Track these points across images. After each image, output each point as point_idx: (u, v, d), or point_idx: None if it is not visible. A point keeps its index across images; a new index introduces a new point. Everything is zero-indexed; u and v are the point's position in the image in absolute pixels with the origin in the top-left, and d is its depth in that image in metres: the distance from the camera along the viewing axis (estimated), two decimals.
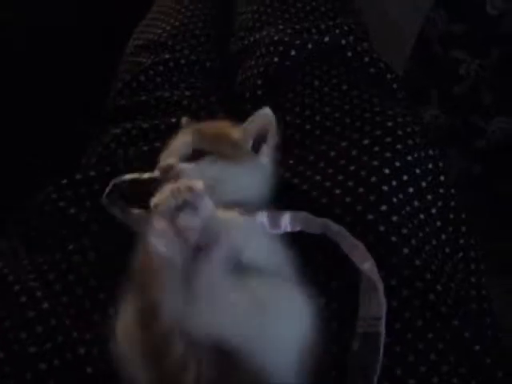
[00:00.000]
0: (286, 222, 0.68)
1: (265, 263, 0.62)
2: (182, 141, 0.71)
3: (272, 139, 0.72)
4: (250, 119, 0.72)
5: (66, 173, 0.83)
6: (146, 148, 0.85)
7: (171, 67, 0.98)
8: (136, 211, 0.71)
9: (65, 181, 0.81)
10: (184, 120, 0.80)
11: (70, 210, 0.78)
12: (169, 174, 0.66)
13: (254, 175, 0.70)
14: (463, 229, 0.81)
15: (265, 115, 0.71)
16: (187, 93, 0.95)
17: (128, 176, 0.73)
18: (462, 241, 0.80)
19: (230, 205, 0.64)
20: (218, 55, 1.03)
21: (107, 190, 0.74)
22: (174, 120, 0.88)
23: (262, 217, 0.67)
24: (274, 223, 0.68)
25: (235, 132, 0.71)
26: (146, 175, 0.71)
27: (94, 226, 0.77)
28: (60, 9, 1.31)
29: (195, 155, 0.69)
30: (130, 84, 0.98)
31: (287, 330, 0.60)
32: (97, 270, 0.73)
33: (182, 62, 0.99)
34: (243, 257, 0.60)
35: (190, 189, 0.57)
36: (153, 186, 0.63)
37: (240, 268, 0.60)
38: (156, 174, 0.69)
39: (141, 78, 0.98)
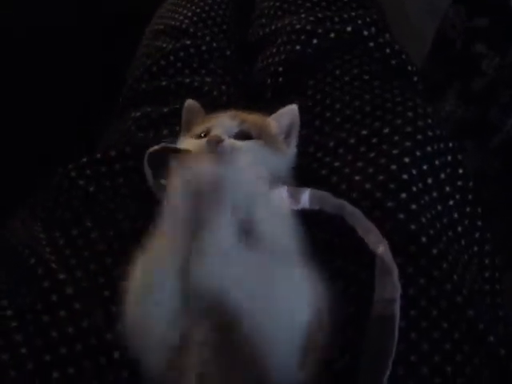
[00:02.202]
0: (306, 198, 0.70)
1: (279, 239, 0.62)
2: (227, 121, 0.73)
3: (297, 132, 0.78)
4: (278, 113, 0.77)
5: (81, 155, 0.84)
6: (166, 131, 0.86)
7: (192, 53, 0.99)
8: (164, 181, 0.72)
9: (84, 159, 0.82)
10: (188, 102, 0.81)
11: (89, 189, 0.79)
12: (216, 147, 0.68)
13: (286, 164, 0.75)
14: (479, 223, 0.81)
15: (293, 112, 0.77)
16: (208, 79, 0.95)
17: (164, 144, 0.74)
18: (477, 234, 0.80)
19: None
20: (237, 44, 1.04)
21: (146, 156, 0.74)
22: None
23: (283, 191, 0.68)
24: (294, 198, 0.69)
25: (271, 125, 0.76)
26: (183, 147, 0.73)
27: (112, 205, 0.78)
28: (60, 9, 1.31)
29: (241, 136, 0.72)
30: (150, 69, 0.98)
31: (291, 306, 0.59)
32: (113, 247, 0.74)
33: (203, 48, 0.99)
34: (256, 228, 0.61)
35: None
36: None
37: (252, 241, 0.60)
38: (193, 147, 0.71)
39: (161, 63, 0.98)
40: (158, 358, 0.58)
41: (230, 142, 0.70)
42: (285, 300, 0.59)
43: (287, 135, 0.77)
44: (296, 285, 0.60)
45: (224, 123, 0.73)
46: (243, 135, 0.72)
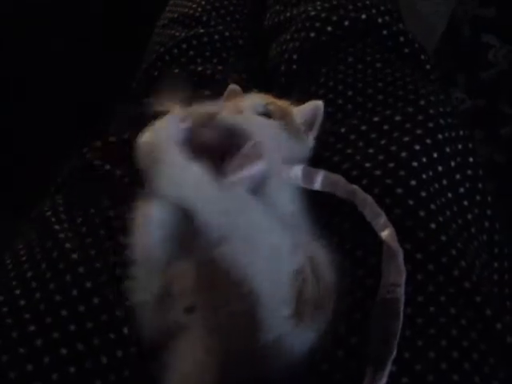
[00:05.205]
0: (319, 179, 0.71)
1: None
2: (255, 99, 0.75)
3: (318, 127, 0.78)
4: (302, 106, 0.78)
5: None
6: None
7: (205, 42, 0.99)
8: None
9: (98, 143, 0.83)
10: (231, 86, 0.83)
11: (105, 167, 0.80)
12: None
13: (302, 152, 0.76)
14: (489, 212, 0.81)
15: (317, 107, 0.78)
16: (220, 67, 0.96)
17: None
18: (486, 224, 0.80)
19: None
20: (250, 34, 1.04)
21: None
22: (207, 93, 0.88)
23: (298, 169, 0.70)
24: (308, 178, 0.71)
25: (295, 114, 0.76)
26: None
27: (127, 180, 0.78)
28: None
29: (264, 115, 0.73)
30: (163, 56, 0.99)
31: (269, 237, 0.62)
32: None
33: (216, 37, 1.00)
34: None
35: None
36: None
37: None
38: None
39: (174, 51, 0.99)
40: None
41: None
42: (260, 227, 0.62)
43: (308, 129, 0.77)
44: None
45: (253, 100, 0.75)
46: (266, 115, 0.73)
